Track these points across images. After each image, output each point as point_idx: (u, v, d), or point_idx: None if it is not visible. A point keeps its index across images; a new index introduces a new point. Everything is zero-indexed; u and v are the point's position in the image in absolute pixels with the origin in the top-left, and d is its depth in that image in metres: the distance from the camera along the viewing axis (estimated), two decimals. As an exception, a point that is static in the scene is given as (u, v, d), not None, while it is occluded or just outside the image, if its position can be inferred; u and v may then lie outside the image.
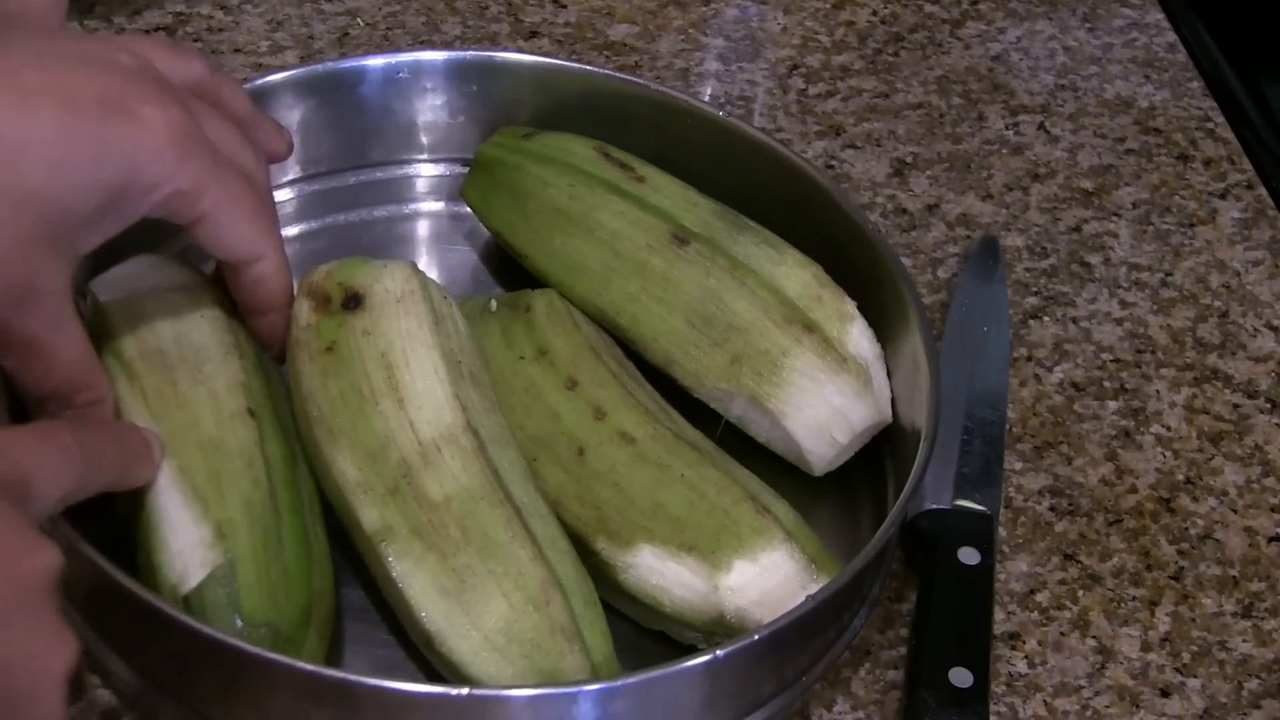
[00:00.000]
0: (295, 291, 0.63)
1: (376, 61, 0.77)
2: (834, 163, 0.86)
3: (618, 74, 0.79)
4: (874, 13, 0.97)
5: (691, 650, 0.59)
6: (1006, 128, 0.89)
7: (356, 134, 0.78)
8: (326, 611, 0.58)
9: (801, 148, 0.86)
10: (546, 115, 0.77)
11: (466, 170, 0.77)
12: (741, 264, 0.67)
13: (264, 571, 0.55)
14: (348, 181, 0.78)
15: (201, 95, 0.59)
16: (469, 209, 0.76)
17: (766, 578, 0.59)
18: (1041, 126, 0.90)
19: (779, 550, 0.59)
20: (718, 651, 0.54)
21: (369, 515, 0.57)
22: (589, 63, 0.87)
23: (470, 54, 0.78)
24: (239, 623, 0.54)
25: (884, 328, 0.68)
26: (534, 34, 0.92)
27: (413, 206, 0.79)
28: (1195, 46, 0.97)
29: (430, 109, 0.78)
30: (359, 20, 0.91)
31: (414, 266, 0.63)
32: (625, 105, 0.76)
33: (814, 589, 0.58)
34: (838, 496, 0.67)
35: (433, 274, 0.76)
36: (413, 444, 0.58)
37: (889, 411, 0.66)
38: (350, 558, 0.61)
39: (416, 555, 0.56)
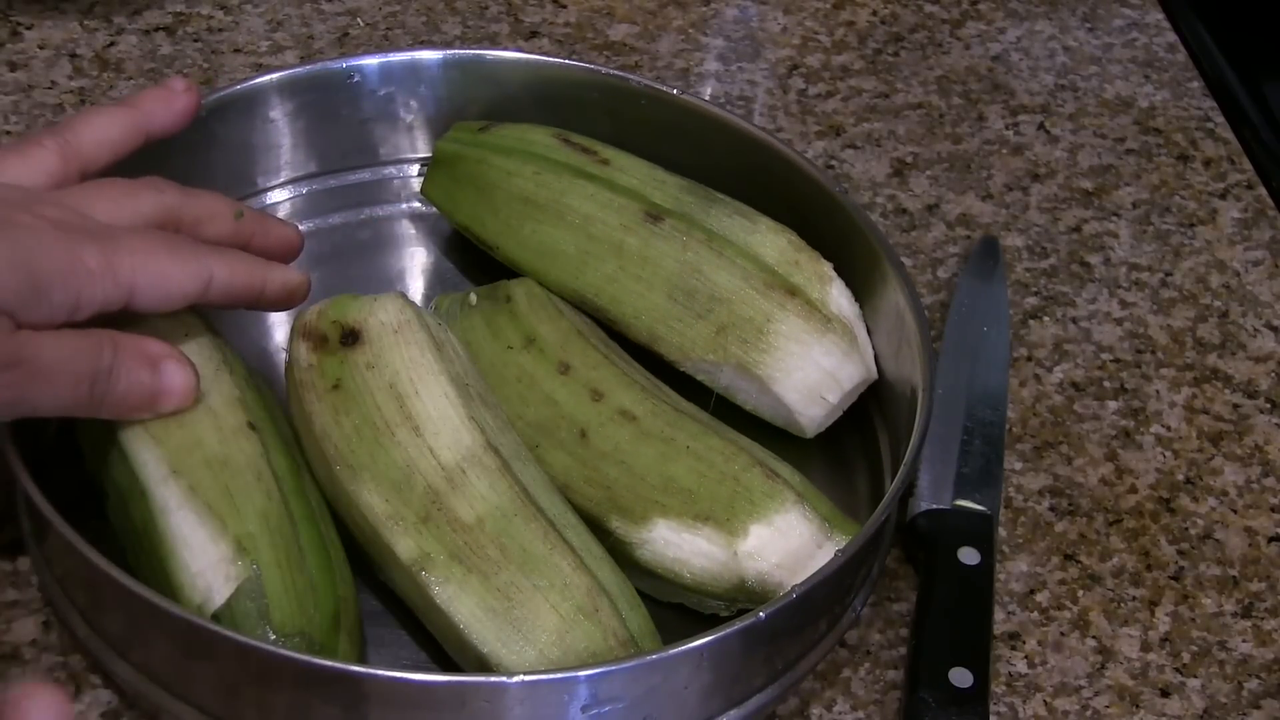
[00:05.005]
0: (290, 327, 0.62)
1: (326, 69, 0.75)
2: (834, 163, 0.86)
3: (567, 61, 0.78)
4: (874, 13, 0.97)
5: (714, 620, 0.59)
6: (1006, 128, 0.89)
7: (304, 144, 0.76)
8: (353, 616, 0.58)
9: (802, 148, 0.86)
10: (498, 108, 0.76)
11: (419, 170, 0.76)
12: (717, 235, 0.67)
13: (290, 582, 0.55)
14: (300, 192, 0.77)
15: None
16: (426, 208, 0.75)
17: (784, 539, 0.59)
18: (1041, 126, 0.90)
19: (792, 511, 0.59)
20: (760, 613, 0.54)
21: (404, 545, 0.57)
22: (589, 63, 0.87)
23: (416, 54, 0.76)
24: (271, 634, 0.54)
25: (861, 285, 0.68)
26: (534, 34, 0.92)
27: (368, 211, 0.78)
28: (1195, 46, 0.97)
29: (379, 112, 0.77)
30: (359, 20, 0.91)
31: (404, 297, 0.62)
32: (577, 92, 0.75)
33: (830, 546, 0.59)
34: (830, 458, 0.68)
35: (400, 276, 0.76)
36: (436, 469, 0.58)
37: (874, 368, 0.67)
38: (361, 565, 0.60)
39: (459, 579, 0.56)
